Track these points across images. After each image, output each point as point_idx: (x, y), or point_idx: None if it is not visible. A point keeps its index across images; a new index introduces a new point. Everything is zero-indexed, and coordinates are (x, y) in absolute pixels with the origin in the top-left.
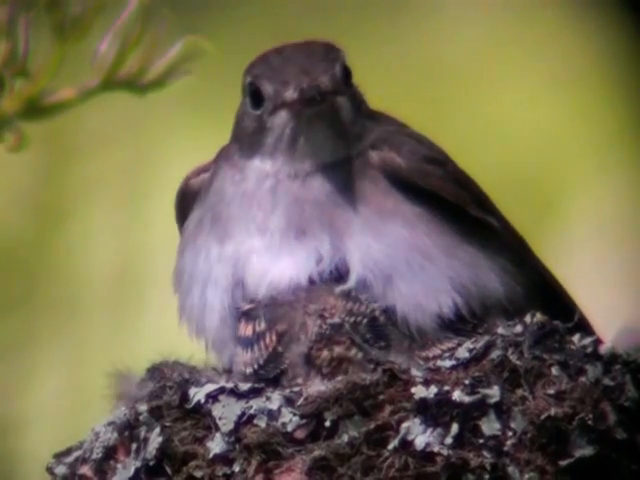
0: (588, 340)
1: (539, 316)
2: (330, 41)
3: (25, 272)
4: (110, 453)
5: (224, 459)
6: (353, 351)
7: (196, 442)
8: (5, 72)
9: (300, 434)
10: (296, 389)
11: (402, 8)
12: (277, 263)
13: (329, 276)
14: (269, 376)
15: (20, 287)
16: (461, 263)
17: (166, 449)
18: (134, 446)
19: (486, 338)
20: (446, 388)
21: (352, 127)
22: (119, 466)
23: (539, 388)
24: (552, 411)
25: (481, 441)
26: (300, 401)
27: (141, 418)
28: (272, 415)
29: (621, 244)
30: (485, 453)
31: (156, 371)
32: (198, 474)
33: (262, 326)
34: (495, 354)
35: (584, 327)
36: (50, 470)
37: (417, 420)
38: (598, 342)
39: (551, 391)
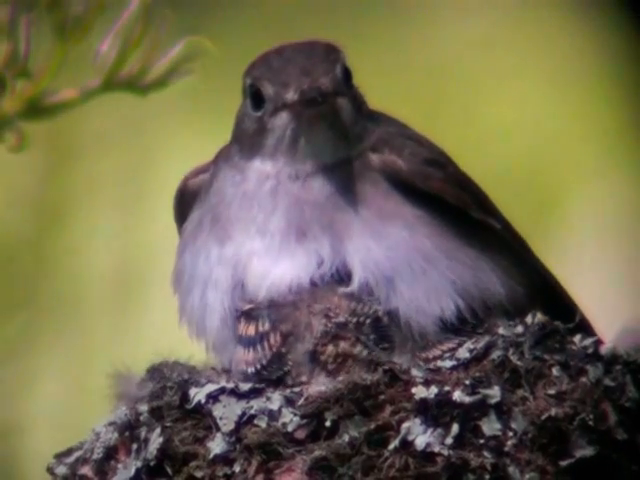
0: (589, 340)
1: (540, 316)
2: (330, 41)
3: (26, 273)
4: (111, 453)
5: (225, 459)
6: (358, 348)
7: (197, 442)
8: (6, 72)
9: (300, 434)
10: (297, 389)
11: (402, 8)
12: (277, 265)
13: (330, 279)
14: (272, 377)
15: (21, 288)
16: (462, 265)
17: (167, 449)
18: (135, 446)
19: (487, 338)
20: (447, 388)
21: (353, 128)
22: (120, 466)
23: (540, 388)
24: (553, 411)
25: (482, 441)
26: (301, 401)
27: (142, 418)
28: (273, 415)
29: (621, 244)
30: (486, 453)
31: (156, 371)
32: (199, 474)
33: (266, 326)
34: (496, 354)
35: (585, 328)
36: (51, 470)
37: (418, 420)
38: (599, 342)
39: (552, 391)
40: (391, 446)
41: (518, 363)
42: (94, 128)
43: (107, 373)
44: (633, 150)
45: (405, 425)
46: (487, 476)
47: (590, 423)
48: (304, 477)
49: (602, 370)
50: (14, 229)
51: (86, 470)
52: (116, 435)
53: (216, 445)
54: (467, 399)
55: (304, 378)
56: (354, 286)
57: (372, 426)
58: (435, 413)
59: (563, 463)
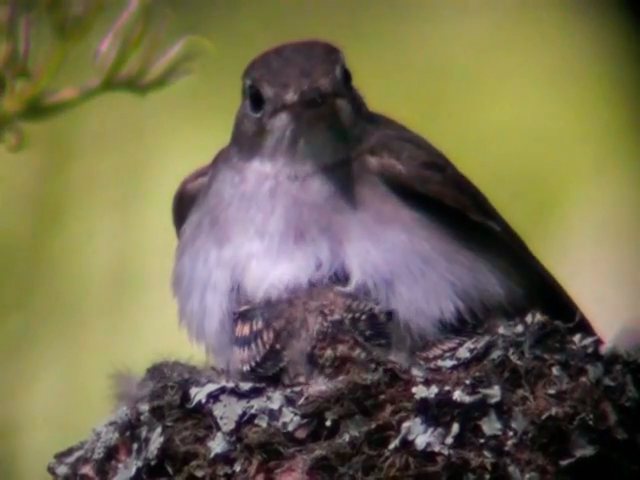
0: (589, 340)
1: (540, 316)
2: (330, 42)
3: (24, 272)
4: (111, 453)
5: (225, 459)
6: (357, 351)
7: (197, 442)
8: (6, 72)
9: (301, 434)
10: (297, 389)
11: (401, 8)
12: (276, 268)
13: (329, 281)
14: (268, 374)
15: (19, 288)
16: (461, 267)
17: (167, 449)
18: (135, 446)
19: (487, 338)
20: (447, 388)
21: (352, 129)
22: (120, 466)
23: (540, 388)
24: (553, 411)
25: (482, 441)
26: (301, 401)
27: (142, 418)
28: (273, 415)
29: (620, 244)
30: (486, 453)
31: (156, 371)
32: (199, 474)
33: (259, 324)
34: (496, 354)
35: (584, 328)
36: (51, 470)
37: (418, 420)
38: (599, 342)
39: (552, 391)
40: (391, 446)
41: (518, 363)
42: (92, 128)
43: (107, 373)
44: (633, 150)
45: (405, 425)
46: (487, 476)
47: (590, 423)
48: (304, 477)
49: (602, 370)
50: (12, 229)
51: (87, 470)
52: (117, 435)
53: (217, 444)
54: (467, 399)
55: (302, 379)
56: (351, 289)
57: (372, 426)
58: (435, 413)
59: (563, 463)
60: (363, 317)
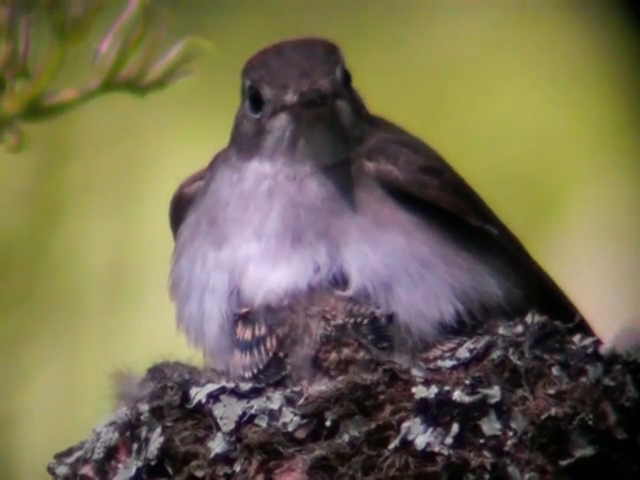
0: (589, 340)
1: (540, 316)
2: (329, 40)
3: (22, 272)
4: (111, 453)
5: (225, 459)
6: (361, 354)
7: (197, 442)
8: (6, 73)
9: (301, 434)
10: (297, 389)
11: (401, 9)
12: (274, 272)
13: (328, 285)
14: (269, 381)
15: (17, 286)
16: (460, 269)
17: (167, 449)
18: (135, 446)
19: (487, 338)
20: (447, 388)
21: (352, 130)
22: (120, 466)
23: (540, 388)
24: (552, 411)
25: (481, 441)
26: (301, 401)
27: (142, 418)
28: (273, 415)
29: (620, 244)
30: (485, 453)
31: (157, 371)
32: (199, 474)
33: (262, 330)
34: (496, 354)
35: (583, 329)
36: (51, 470)
37: (418, 420)
38: (598, 342)
39: (552, 391)
40: (391, 446)
41: (518, 363)
42: (91, 128)
43: (106, 372)
44: (633, 150)
45: (405, 425)
46: (487, 476)
47: (590, 423)
48: (304, 477)
49: (602, 370)
50: (10, 229)
51: (87, 470)
52: (117, 435)
53: (217, 445)
54: (467, 399)
55: (305, 382)
56: (351, 293)
57: (372, 426)
58: (435, 413)
59: (563, 463)
60: (365, 321)
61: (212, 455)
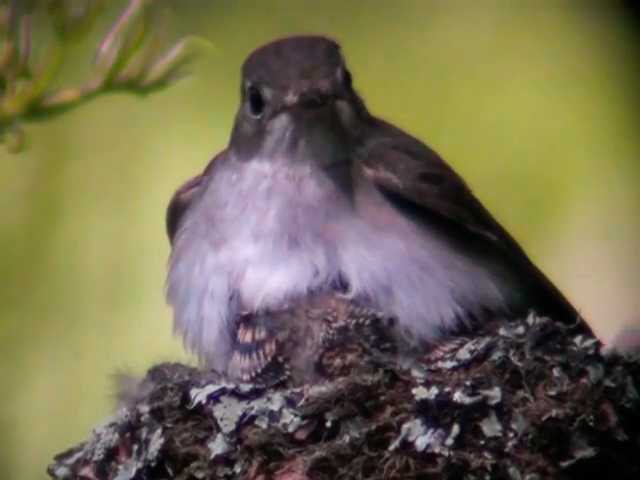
0: (590, 342)
1: (541, 317)
2: (329, 38)
3: (22, 272)
4: (111, 454)
5: (225, 460)
6: (365, 359)
7: (197, 443)
8: (7, 73)
9: (301, 435)
10: (297, 390)
11: (401, 9)
12: (273, 275)
13: (327, 288)
14: (268, 385)
15: (17, 287)
16: (459, 273)
17: (167, 450)
18: (135, 447)
19: (487, 339)
20: (447, 389)
21: (352, 131)
22: (120, 467)
23: (540, 389)
24: (553, 412)
25: (482, 442)
26: (301, 402)
27: (142, 419)
28: (273, 416)
29: (621, 244)
30: (486, 454)
31: (157, 372)
32: (199, 475)
33: (262, 334)
34: (496, 355)
35: (584, 331)
36: (51, 472)
37: (418, 421)
38: (599, 344)
39: (552, 392)
40: (392, 447)
41: (519, 364)
42: (90, 128)
43: (105, 373)
44: (633, 150)
45: (406, 426)
46: (487, 477)
47: (590, 424)
48: (305, 478)
49: (603, 371)
50: (10, 228)
51: (87, 471)
52: (117, 436)
53: (217, 446)
54: (467, 400)
55: (307, 386)
56: (352, 296)
57: (373, 427)
58: (436, 414)
59: (563, 464)
60: (367, 322)
61: (212, 456)
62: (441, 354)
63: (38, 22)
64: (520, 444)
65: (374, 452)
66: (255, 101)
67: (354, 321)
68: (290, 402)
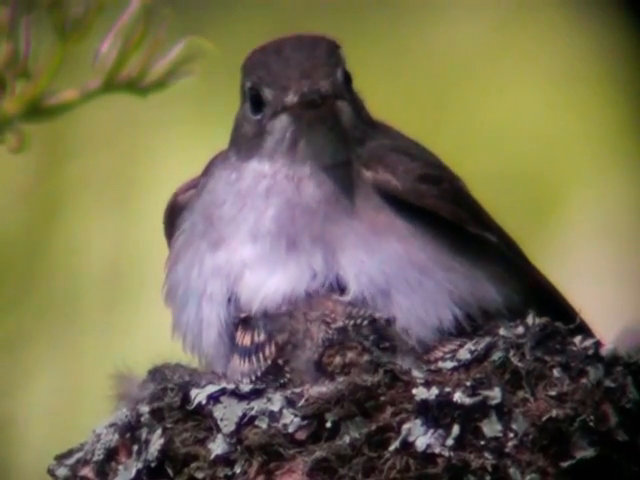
0: (590, 342)
1: (541, 318)
2: (329, 38)
3: (21, 272)
4: (111, 454)
5: (225, 460)
6: (365, 357)
7: (197, 443)
8: (6, 73)
9: (301, 435)
10: (297, 390)
11: (402, 10)
12: (271, 278)
13: (325, 291)
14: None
15: (16, 287)
16: (458, 275)
17: (167, 450)
18: (135, 447)
19: (487, 339)
20: (447, 389)
21: (352, 131)
22: (120, 467)
23: (540, 390)
24: (553, 412)
25: (482, 442)
26: (301, 402)
27: (142, 419)
28: (273, 416)
29: (621, 244)
30: (486, 454)
31: (157, 373)
32: (199, 475)
33: (261, 337)
34: (496, 356)
35: (584, 331)
36: (51, 472)
37: (418, 421)
38: (599, 344)
39: (552, 393)
40: (392, 447)
41: (519, 364)
42: (90, 127)
43: (105, 373)
44: (633, 150)
45: (406, 426)
46: (488, 477)
47: (591, 424)
48: (305, 478)
49: (603, 371)
50: (9, 228)
51: (87, 471)
52: (117, 436)
53: (217, 446)
54: (468, 400)
55: (308, 386)
56: (350, 299)
57: (373, 427)
58: (436, 414)
59: (564, 464)
60: (365, 322)
61: (212, 456)
62: (440, 354)
63: (38, 22)
64: (520, 444)
65: (374, 452)
66: (255, 101)
67: (352, 322)
68: (290, 402)
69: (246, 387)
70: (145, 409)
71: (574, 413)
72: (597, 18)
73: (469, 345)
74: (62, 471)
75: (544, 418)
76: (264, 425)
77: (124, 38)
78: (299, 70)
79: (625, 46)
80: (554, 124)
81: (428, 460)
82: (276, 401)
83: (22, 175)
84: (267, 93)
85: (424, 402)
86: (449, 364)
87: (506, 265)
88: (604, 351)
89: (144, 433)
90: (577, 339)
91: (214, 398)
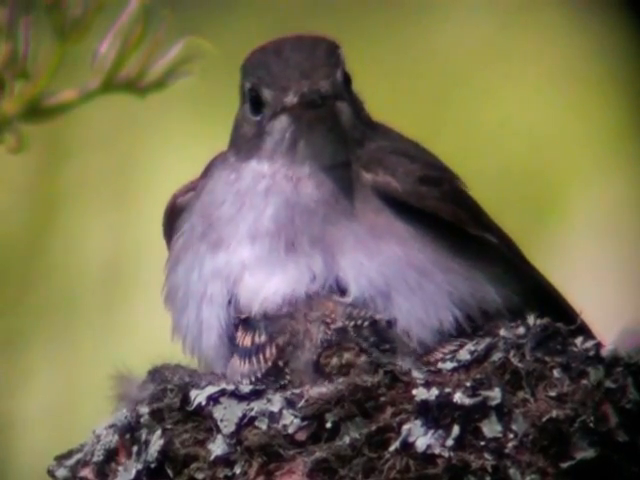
0: (590, 343)
1: (541, 318)
2: (329, 39)
3: (21, 272)
4: (111, 455)
5: (225, 461)
6: (362, 358)
7: (197, 444)
8: (5, 73)
9: (301, 436)
10: (297, 391)
11: (402, 10)
12: (270, 280)
13: (325, 293)
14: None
15: (16, 287)
16: (457, 276)
17: (167, 451)
18: (135, 448)
19: (488, 340)
20: (447, 390)
21: (352, 132)
22: (120, 468)
23: (540, 390)
24: (553, 413)
25: (482, 443)
26: (301, 403)
27: (142, 420)
28: (273, 417)
29: (621, 244)
30: (486, 455)
31: (157, 373)
32: (199, 476)
33: (262, 338)
34: (497, 356)
35: (585, 332)
36: (51, 473)
37: (418, 422)
38: (600, 345)
39: (552, 393)
40: (392, 448)
41: (519, 365)
42: (89, 128)
43: (104, 373)
44: (633, 150)
45: (406, 427)
46: (488, 478)
47: (591, 425)
48: (305, 479)
49: (603, 372)
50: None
51: (86, 472)
52: (116, 437)
53: (217, 447)
54: (468, 401)
55: (307, 387)
56: (350, 301)
57: (373, 428)
58: (436, 415)
59: (564, 465)
60: (365, 324)
61: (212, 457)
62: (440, 355)
63: (37, 22)
64: (520, 445)
65: (374, 453)
66: (255, 102)
67: (352, 323)
68: (290, 403)
69: (246, 388)
70: (145, 410)
71: (574, 414)
72: (597, 18)
73: (469, 346)
74: (62, 472)
75: (544, 419)
76: (264, 426)
77: (123, 38)
78: (299, 70)
79: (625, 46)
80: (554, 124)
81: (428, 461)
82: (276, 402)
83: (21, 175)
84: (267, 94)
85: (424, 403)
86: (449, 365)
87: (506, 266)
88: (604, 352)
89: (144, 434)
90: (578, 340)
91: (214, 399)
